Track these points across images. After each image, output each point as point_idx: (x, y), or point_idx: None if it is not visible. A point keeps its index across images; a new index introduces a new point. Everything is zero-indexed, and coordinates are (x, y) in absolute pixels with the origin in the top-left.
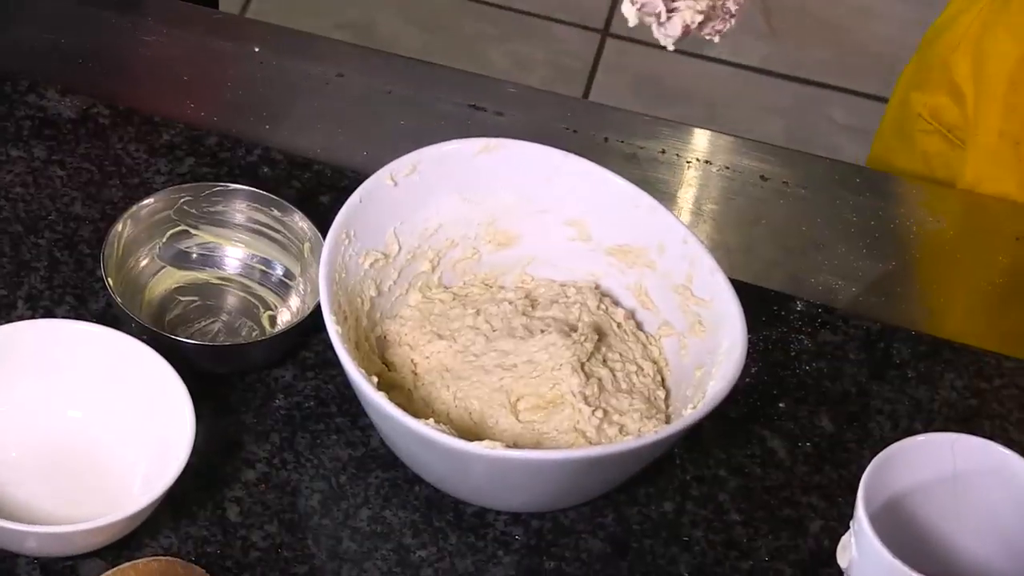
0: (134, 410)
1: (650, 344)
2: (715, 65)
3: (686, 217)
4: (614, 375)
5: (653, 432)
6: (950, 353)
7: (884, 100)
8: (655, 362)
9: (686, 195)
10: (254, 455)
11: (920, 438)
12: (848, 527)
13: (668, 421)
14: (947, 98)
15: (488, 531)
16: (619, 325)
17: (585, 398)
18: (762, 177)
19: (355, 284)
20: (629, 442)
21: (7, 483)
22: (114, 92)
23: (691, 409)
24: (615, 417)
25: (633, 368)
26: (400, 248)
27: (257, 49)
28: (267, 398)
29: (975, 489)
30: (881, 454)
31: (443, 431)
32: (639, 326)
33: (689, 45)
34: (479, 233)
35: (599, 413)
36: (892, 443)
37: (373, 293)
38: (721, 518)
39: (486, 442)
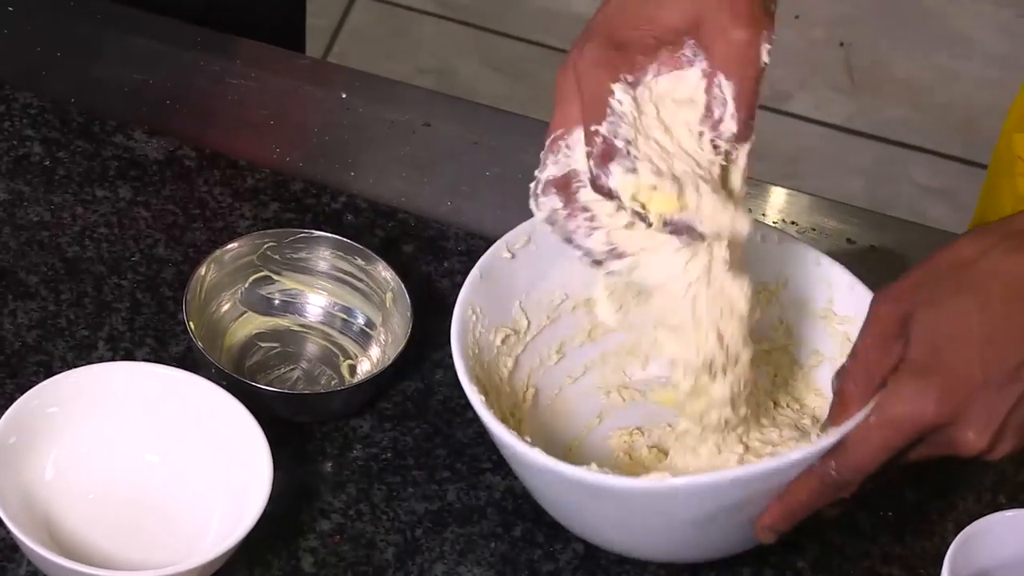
0: (211, 456)
1: (793, 380)
2: (797, 121)
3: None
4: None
5: (824, 436)
6: None
7: (965, 162)
8: (797, 398)
9: None
10: (330, 505)
11: (1008, 514)
12: None
13: None
14: None
15: None
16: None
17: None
18: (848, 240)
19: (491, 360)
20: (822, 440)
21: (82, 525)
22: (200, 135)
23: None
24: (766, 450)
25: (771, 404)
26: (529, 323)
27: (344, 95)
28: (344, 448)
29: None
30: (968, 528)
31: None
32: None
33: (771, 100)
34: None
35: (739, 448)
36: (976, 516)
37: (510, 367)
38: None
39: (654, 475)
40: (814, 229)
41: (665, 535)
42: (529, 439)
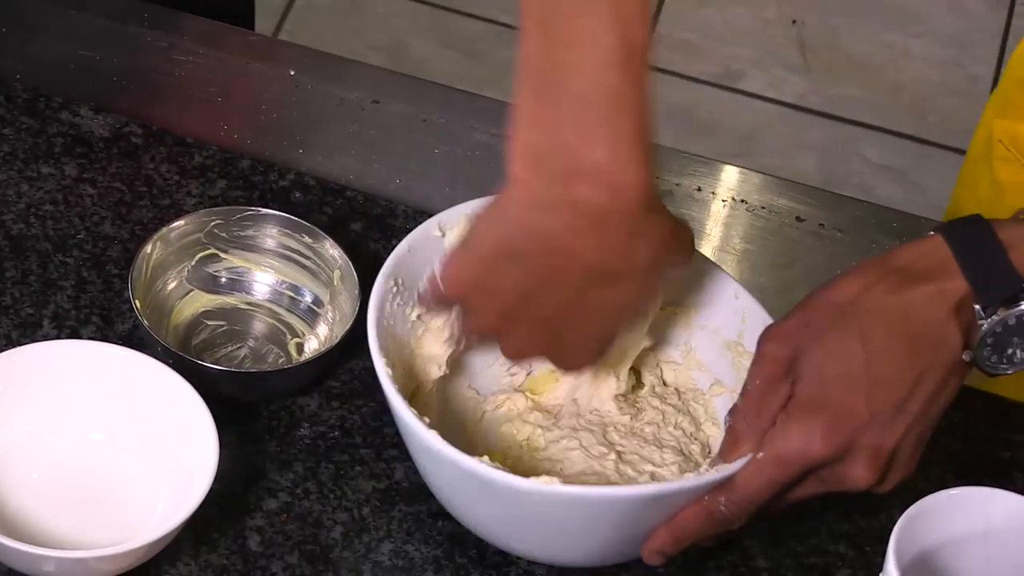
0: (158, 435)
1: (695, 402)
2: (749, 99)
3: (720, 257)
4: (643, 430)
5: (715, 470)
6: (984, 404)
7: (917, 140)
8: (696, 419)
9: (720, 234)
10: (277, 484)
11: (953, 491)
12: None
13: None
14: None
15: (511, 569)
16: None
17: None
18: (798, 218)
19: (402, 334)
20: (712, 474)
21: (27, 505)
22: (148, 112)
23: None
24: (645, 467)
25: (661, 420)
26: None
27: (293, 72)
28: (292, 427)
29: (1008, 545)
30: (914, 506)
31: (499, 468)
32: (683, 386)
33: (724, 78)
34: None
35: (612, 455)
36: (923, 494)
37: (421, 342)
38: (747, 563)
39: (544, 477)
40: (764, 208)
41: (549, 538)
42: (428, 420)
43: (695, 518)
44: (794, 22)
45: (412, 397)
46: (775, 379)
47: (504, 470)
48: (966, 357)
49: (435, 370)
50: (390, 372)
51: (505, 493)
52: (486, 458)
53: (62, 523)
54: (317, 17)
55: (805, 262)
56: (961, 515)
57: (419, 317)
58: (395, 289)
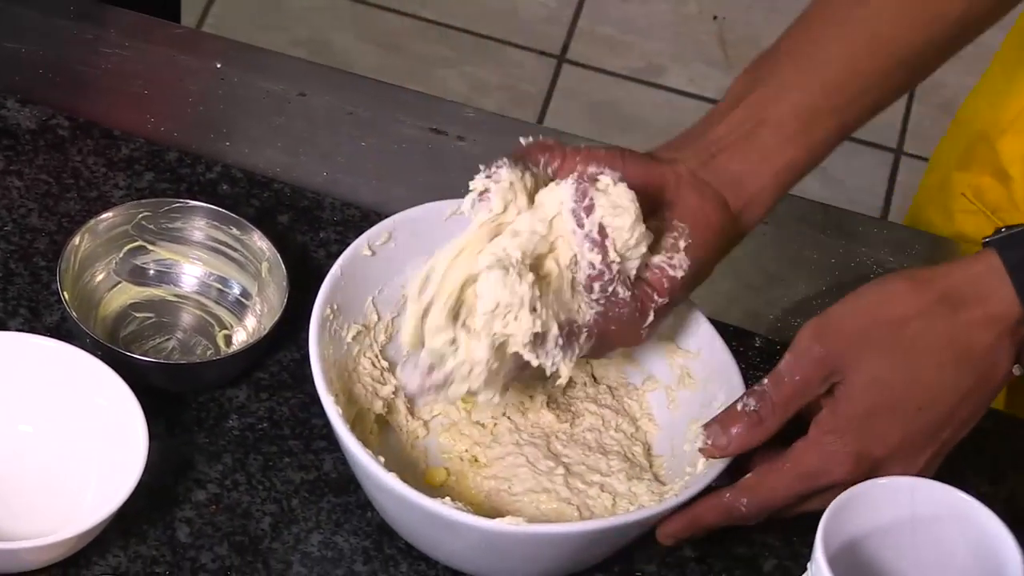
0: (86, 426)
1: (628, 398)
2: (671, 94)
3: None
4: (585, 436)
5: (674, 496)
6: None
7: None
8: (633, 417)
9: None
10: (206, 475)
11: (881, 481)
12: (805, 568)
13: (658, 478)
14: (992, 179)
15: (438, 560)
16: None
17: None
18: None
19: (342, 358)
20: (663, 504)
21: None
22: (74, 104)
23: (703, 465)
24: (593, 477)
25: (601, 424)
26: (379, 319)
27: (219, 65)
28: (220, 418)
29: (933, 533)
30: (841, 495)
31: (461, 508)
32: (614, 381)
33: (645, 73)
34: None
35: (560, 470)
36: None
37: (363, 366)
38: (674, 553)
39: (508, 518)
40: None
41: (510, 566)
42: (383, 459)
43: (713, 512)
44: (715, 18)
45: (353, 422)
46: (814, 381)
47: (467, 511)
48: (1016, 371)
49: (378, 404)
50: (340, 411)
51: (471, 533)
52: (448, 499)
53: None
54: (239, 11)
55: (730, 255)
56: (888, 504)
57: (354, 338)
58: (331, 315)
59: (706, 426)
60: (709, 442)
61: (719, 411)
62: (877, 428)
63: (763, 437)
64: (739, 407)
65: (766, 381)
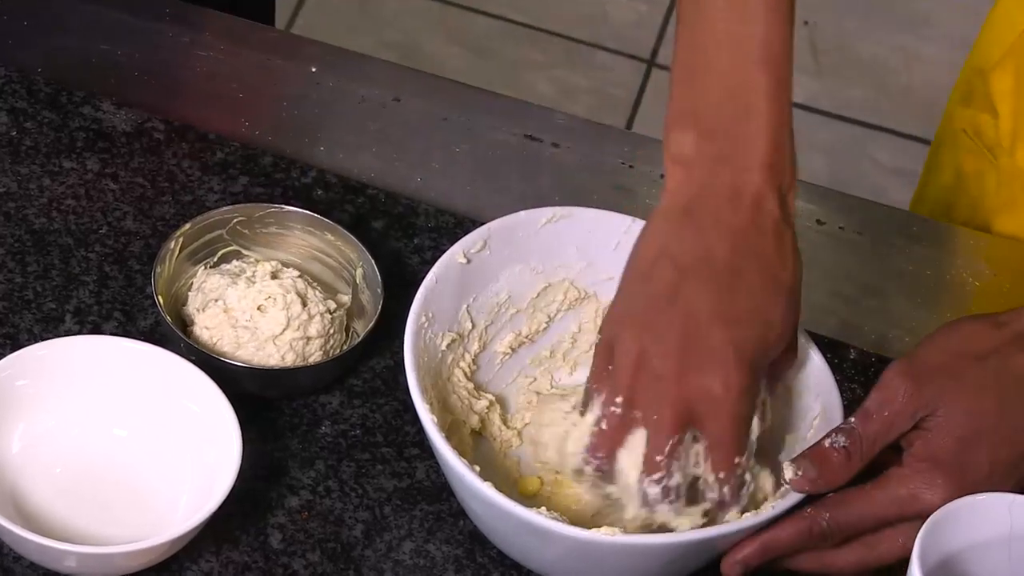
0: (180, 431)
1: None
2: None
3: None
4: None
5: (771, 507)
6: None
7: (927, 142)
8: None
9: None
10: (298, 482)
11: (978, 497)
12: None
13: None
14: (988, 116)
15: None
16: None
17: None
18: (818, 221)
19: (436, 366)
20: (759, 516)
21: (49, 500)
22: (169, 107)
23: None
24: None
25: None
26: (473, 326)
27: (314, 69)
28: (313, 425)
29: None
30: (937, 512)
31: (557, 518)
32: None
33: None
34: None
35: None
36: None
37: (456, 376)
38: (769, 566)
39: (604, 528)
40: None
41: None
42: (478, 468)
43: (792, 530)
44: (806, 23)
45: (449, 430)
46: (904, 417)
47: (564, 521)
48: None
49: (474, 419)
50: (435, 419)
51: (565, 542)
52: (543, 509)
53: (84, 518)
54: (329, 14)
55: (824, 265)
56: (985, 520)
57: (448, 346)
58: (425, 323)
59: (795, 459)
60: (800, 473)
61: (815, 423)
62: (970, 458)
63: (851, 474)
64: (827, 443)
65: (853, 419)
